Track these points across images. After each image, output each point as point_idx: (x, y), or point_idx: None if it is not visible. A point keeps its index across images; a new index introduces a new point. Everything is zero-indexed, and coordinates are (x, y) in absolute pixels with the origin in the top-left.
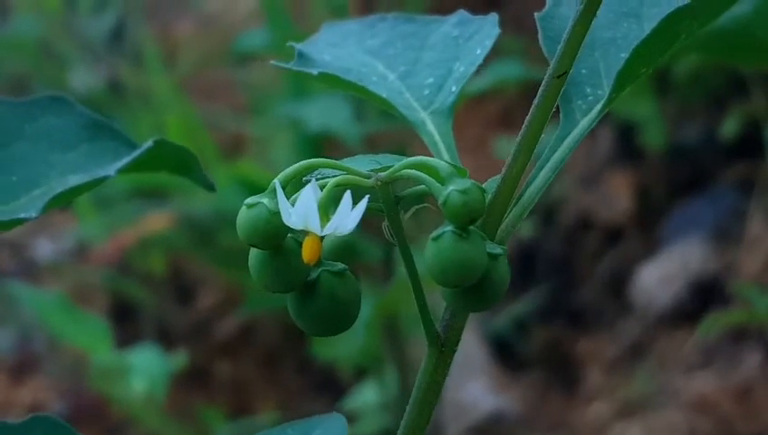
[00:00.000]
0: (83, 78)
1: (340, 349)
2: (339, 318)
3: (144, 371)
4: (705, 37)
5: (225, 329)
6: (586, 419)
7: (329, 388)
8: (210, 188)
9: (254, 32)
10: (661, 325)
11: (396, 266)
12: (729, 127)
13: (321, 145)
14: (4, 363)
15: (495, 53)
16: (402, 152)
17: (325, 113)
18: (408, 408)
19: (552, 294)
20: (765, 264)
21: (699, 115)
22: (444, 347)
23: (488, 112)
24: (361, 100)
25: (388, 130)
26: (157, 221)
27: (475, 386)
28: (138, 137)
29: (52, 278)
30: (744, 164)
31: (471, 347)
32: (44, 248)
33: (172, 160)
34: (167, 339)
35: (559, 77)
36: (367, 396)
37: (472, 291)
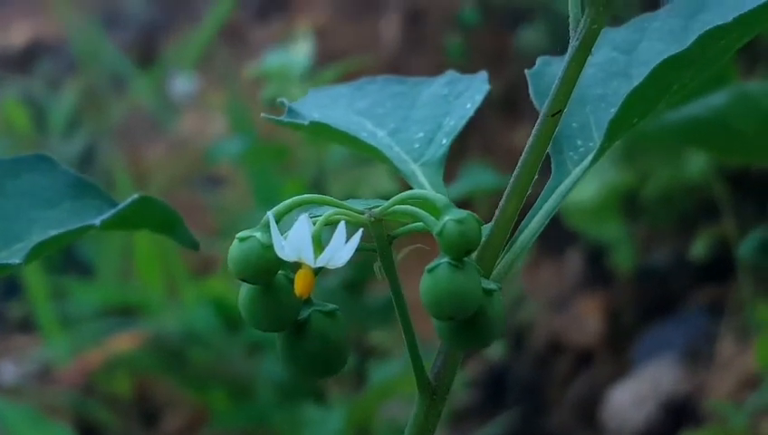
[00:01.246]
0: None
1: None
2: (329, 359)
3: None
4: (683, 125)
5: None
6: None
7: None
8: (194, 246)
9: (226, 141)
10: None
11: (368, 375)
12: (698, 249)
13: None
14: None
15: (465, 170)
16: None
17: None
18: None
19: (522, 418)
20: (737, 385)
21: (669, 237)
22: (435, 395)
23: None
24: None
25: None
26: (123, 341)
27: None
28: (107, 259)
29: (15, 401)
30: (714, 286)
31: None
32: (8, 371)
33: (156, 218)
34: None
35: (553, 115)
36: None
37: (467, 327)
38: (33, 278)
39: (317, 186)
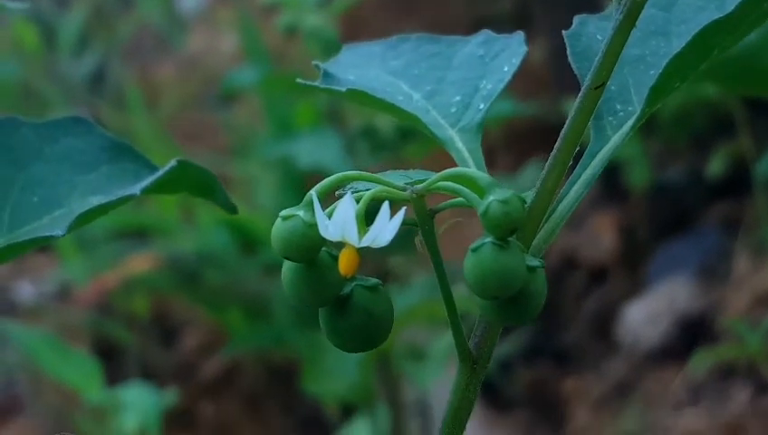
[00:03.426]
0: None
1: (331, 384)
2: (373, 333)
3: (136, 408)
4: (713, 65)
5: (210, 370)
6: None
7: (314, 427)
8: (232, 210)
9: (242, 70)
10: (648, 363)
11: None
12: (715, 166)
13: (309, 183)
14: None
15: None
16: None
17: (316, 150)
18: (441, 426)
19: (537, 334)
20: (752, 302)
21: (684, 155)
22: (475, 364)
23: None
24: (351, 135)
25: (380, 165)
26: (140, 262)
27: None
28: None
29: (33, 321)
30: (729, 203)
31: None
32: (26, 291)
33: (194, 182)
34: (151, 380)
35: (596, 88)
36: (358, 433)
37: (510, 304)
38: None
39: (333, 116)
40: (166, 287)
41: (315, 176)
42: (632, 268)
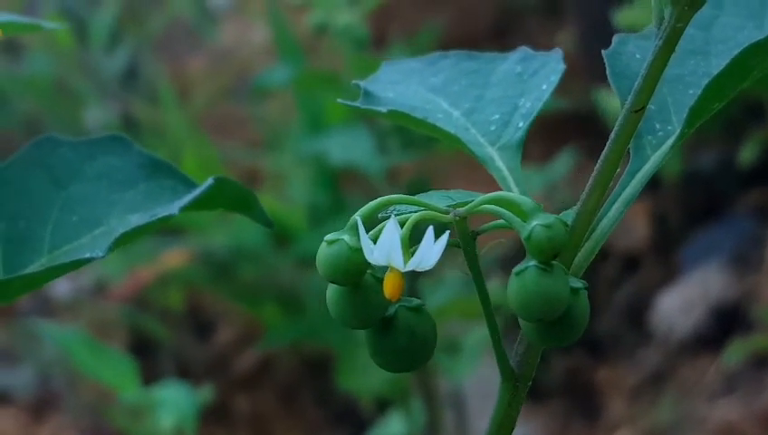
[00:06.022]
0: (97, 115)
1: (365, 380)
2: (416, 354)
3: (173, 407)
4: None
5: (244, 363)
6: None
7: (349, 420)
8: (269, 225)
9: (273, 69)
10: (683, 352)
11: (423, 297)
12: (747, 153)
13: (340, 179)
14: (23, 401)
15: None
16: (426, 183)
17: (348, 146)
18: None
19: None
20: None
21: (715, 142)
22: (518, 382)
23: None
24: (383, 132)
25: (411, 162)
26: (174, 257)
27: None
28: None
29: (69, 316)
30: (762, 190)
31: (491, 377)
32: (62, 286)
33: (231, 198)
34: (186, 374)
35: (636, 112)
36: (392, 428)
37: (553, 326)
38: None
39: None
40: (200, 282)
41: (347, 172)
42: (665, 256)
